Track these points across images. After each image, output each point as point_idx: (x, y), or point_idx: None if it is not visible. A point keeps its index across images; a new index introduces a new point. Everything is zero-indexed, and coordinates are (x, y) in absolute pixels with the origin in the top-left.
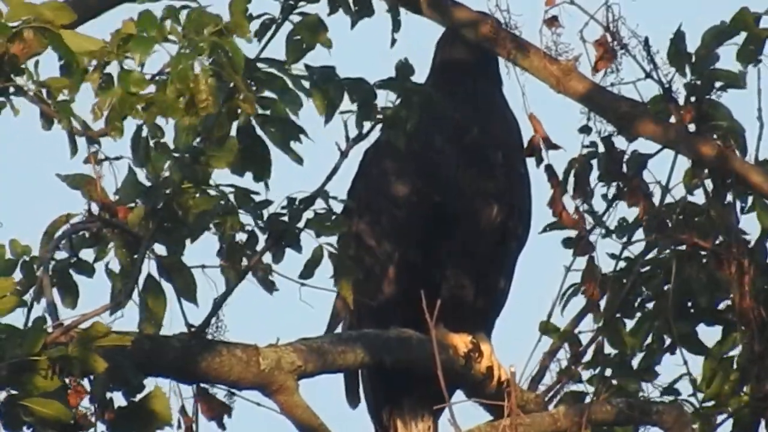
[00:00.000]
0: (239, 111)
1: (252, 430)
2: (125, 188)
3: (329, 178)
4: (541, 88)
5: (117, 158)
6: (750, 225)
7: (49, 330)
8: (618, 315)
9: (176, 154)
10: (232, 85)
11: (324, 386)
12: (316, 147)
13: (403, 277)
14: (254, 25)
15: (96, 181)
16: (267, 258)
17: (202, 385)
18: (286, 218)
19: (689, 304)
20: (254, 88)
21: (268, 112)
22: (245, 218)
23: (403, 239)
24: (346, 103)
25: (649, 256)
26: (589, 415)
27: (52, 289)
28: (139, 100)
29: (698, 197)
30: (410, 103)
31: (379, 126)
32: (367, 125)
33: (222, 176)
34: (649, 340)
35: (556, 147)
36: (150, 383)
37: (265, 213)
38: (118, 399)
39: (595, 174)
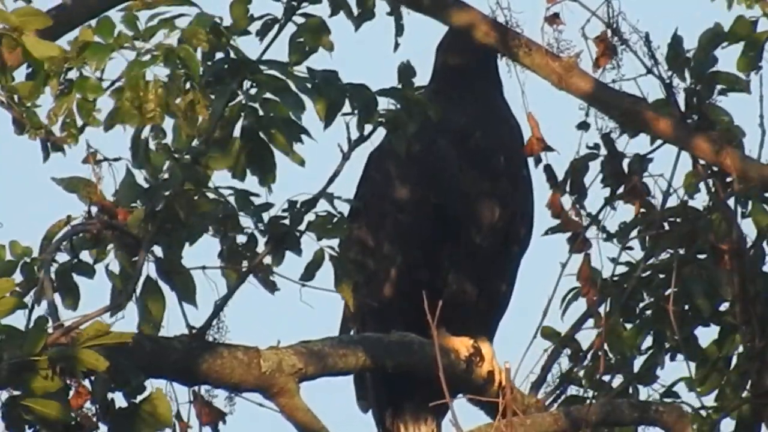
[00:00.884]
0: (242, 114)
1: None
2: (124, 190)
3: (331, 180)
4: (542, 86)
5: (116, 159)
6: (749, 231)
7: (50, 331)
8: (619, 319)
9: (177, 155)
10: (235, 86)
11: (325, 389)
12: (317, 149)
13: (405, 280)
14: (255, 27)
15: (94, 183)
16: (267, 260)
17: (202, 388)
18: (287, 221)
19: (687, 307)
20: (256, 90)
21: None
22: (245, 221)
23: (406, 243)
24: (347, 106)
25: (650, 261)
26: (590, 416)
27: (53, 290)
28: (94, 107)
29: (697, 200)
30: (410, 111)
31: (382, 129)
32: (368, 128)
33: (222, 179)
34: (648, 342)
35: (550, 149)
36: (150, 386)
37: (266, 216)
38: (119, 400)
39: (594, 175)
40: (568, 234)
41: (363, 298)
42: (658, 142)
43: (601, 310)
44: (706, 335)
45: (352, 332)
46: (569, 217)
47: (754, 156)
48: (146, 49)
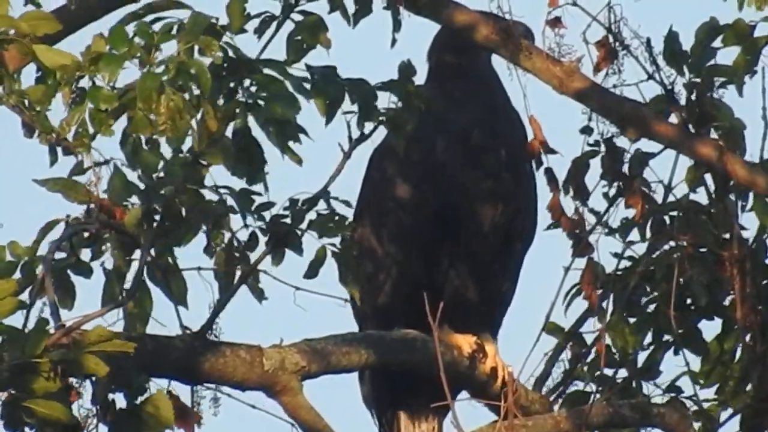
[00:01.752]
0: (237, 111)
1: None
2: (115, 189)
3: (332, 179)
4: (543, 89)
5: (106, 162)
6: (750, 223)
7: (51, 331)
8: (622, 314)
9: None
10: (232, 85)
11: (328, 387)
12: (319, 148)
13: (407, 278)
14: (253, 24)
15: (81, 185)
16: (267, 260)
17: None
18: (288, 220)
19: (689, 302)
20: (255, 88)
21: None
22: (240, 220)
23: (408, 240)
24: (348, 103)
25: (653, 255)
26: (591, 418)
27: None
28: (108, 116)
29: (699, 196)
30: (410, 105)
31: (383, 128)
32: (369, 126)
33: (221, 179)
34: (649, 338)
35: (553, 152)
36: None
37: (267, 215)
38: (120, 401)
39: (595, 173)
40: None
41: (365, 296)
42: (660, 146)
43: (604, 305)
44: (711, 328)
45: None
46: (570, 220)
47: (756, 149)
48: (159, 60)
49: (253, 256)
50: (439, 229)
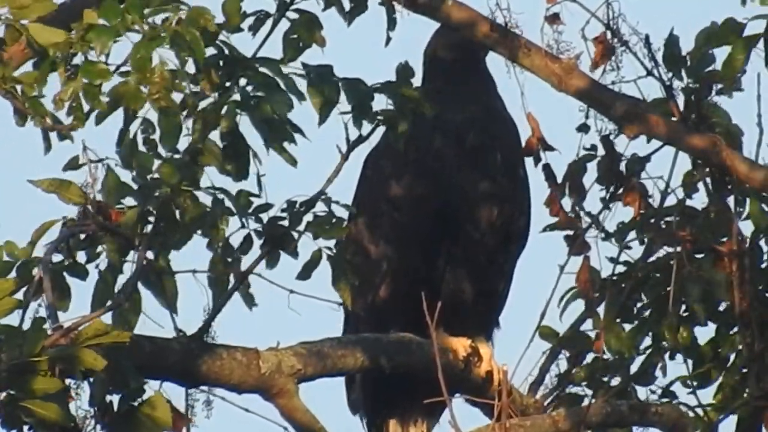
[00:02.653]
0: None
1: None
2: (110, 189)
3: (330, 181)
4: (541, 87)
5: (100, 160)
6: (746, 229)
7: (49, 332)
8: (617, 319)
9: (176, 155)
10: (228, 84)
11: (324, 389)
12: (317, 149)
13: (403, 280)
14: (249, 22)
15: (74, 185)
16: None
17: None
18: (285, 222)
19: (684, 307)
20: (250, 87)
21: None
22: (235, 222)
23: (404, 243)
24: (345, 104)
25: (650, 259)
26: (589, 417)
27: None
28: (100, 91)
29: (696, 200)
30: (405, 108)
31: (379, 129)
32: (367, 128)
33: (217, 181)
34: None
35: (551, 148)
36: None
37: (265, 217)
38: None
39: (592, 176)
40: (566, 232)
41: (360, 298)
42: (659, 143)
43: (600, 310)
44: (704, 333)
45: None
46: (567, 216)
47: (752, 155)
48: (152, 31)
49: (247, 259)
50: (434, 231)
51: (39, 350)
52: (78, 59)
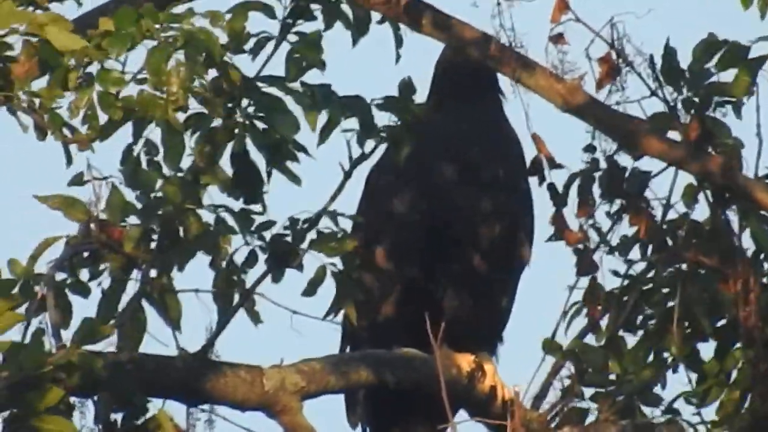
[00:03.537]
0: (236, 131)
1: None
2: (114, 208)
3: (333, 198)
4: (545, 108)
5: (105, 178)
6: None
7: (54, 351)
8: (620, 333)
9: (179, 174)
10: (230, 105)
11: (327, 406)
12: (320, 167)
13: (405, 297)
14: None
15: (81, 202)
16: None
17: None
18: (289, 239)
19: (686, 323)
20: (253, 108)
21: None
22: (239, 239)
23: (406, 259)
24: (349, 121)
25: (651, 273)
26: None
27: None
28: (116, 99)
29: (698, 214)
30: (409, 124)
31: (381, 146)
32: (369, 145)
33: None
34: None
35: (560, 166)
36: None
37: (267, 234)
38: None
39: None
40: (572, 248)
41: (363, 314)
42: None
43: (603, 324)
44: (707, 348)
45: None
46: (574, 234)
47: (752, 165)
48: (167, 35)
49: (252, 275)
50: (434, 247)
51: (41, 365)
52: (92, 68)
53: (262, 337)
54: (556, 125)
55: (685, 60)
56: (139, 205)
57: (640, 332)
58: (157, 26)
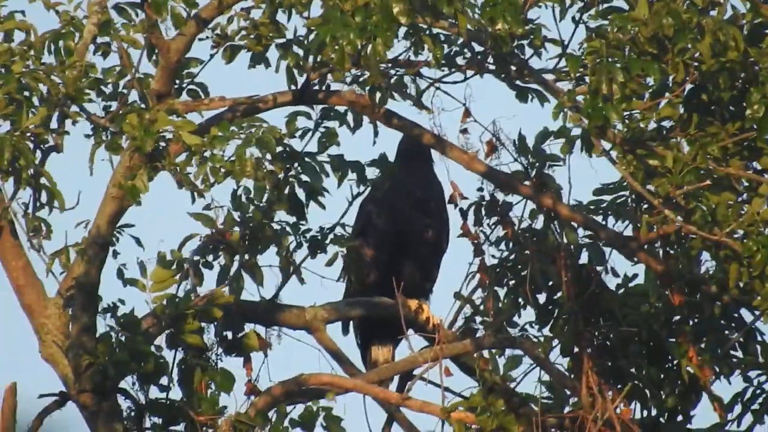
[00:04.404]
0: (290, 181)
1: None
2: (227, 222)
3: (343, 215)
4: (458, 168)
5: (220, 206)
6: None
7: (193, 298)
8: (496, 288)
9: (261, 204)
10: (288, 167)
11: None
12: (336, 199)
13: (380, 270)
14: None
15: (212, 218)
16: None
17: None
18: (319, 238)
19: (533, 286)
20: (299, 168)
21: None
22: (292, 238)
23: (381, 250)
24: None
25: (512, 257)
26: (486, 344)
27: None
28: (219, 170)
29: (539, 224)
30: (385, 176)
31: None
32: (362, 187)
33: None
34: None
35: (465, 198)
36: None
37: (308, 235)
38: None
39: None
40: (471, 242)
41: (358, 279)
42: (519, 197)
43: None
44: (542, 298)
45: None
46: (471, 234)
47: (565, 196)
48: (245, 137)
49: (298, 257)
50: (399, 242)
51: (187, 308)
52: (207, 153)
53: (305, 291)
54: (464, 177)
55: (531, 141)
56: (239, 220)
57: (510, 285)
58: (241, 131)
